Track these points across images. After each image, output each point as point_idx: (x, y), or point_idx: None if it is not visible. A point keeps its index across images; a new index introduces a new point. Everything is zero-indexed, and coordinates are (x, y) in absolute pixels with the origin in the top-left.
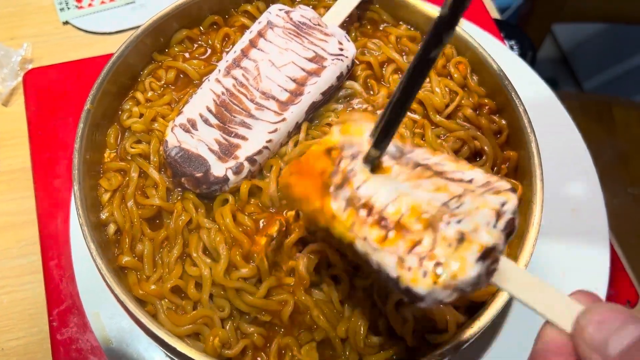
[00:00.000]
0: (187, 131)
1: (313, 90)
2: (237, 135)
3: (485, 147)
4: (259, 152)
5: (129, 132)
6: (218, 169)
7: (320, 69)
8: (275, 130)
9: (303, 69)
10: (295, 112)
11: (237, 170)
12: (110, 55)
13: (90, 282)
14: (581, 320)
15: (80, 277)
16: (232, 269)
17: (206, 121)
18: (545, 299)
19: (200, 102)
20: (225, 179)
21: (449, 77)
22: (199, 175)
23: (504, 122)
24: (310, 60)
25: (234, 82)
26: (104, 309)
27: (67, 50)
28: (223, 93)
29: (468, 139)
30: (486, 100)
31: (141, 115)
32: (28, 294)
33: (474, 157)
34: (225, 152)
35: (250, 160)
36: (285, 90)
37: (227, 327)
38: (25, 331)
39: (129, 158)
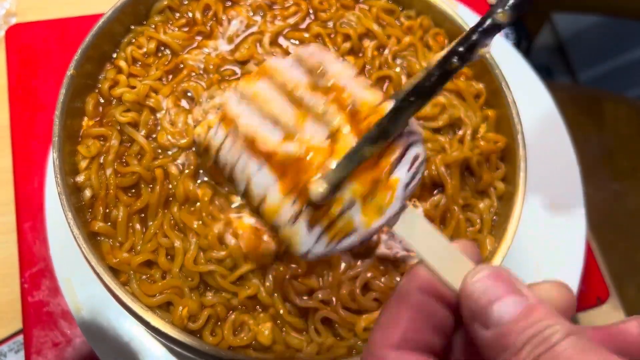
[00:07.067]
0: None
1: None
2: None
3: (462, 114)
4: None
5: (117, 101)
6: None
7: None
8: None
9: None
10: None
11: None
12: (97, 15)
13: (63, 248)
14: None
15: (53, 243)
16: (205, 250)
17: None
18: (437, 250)
19: None
20: None
21: (427, 49)
22: None
23: (481, 85)
24: None
25: None
26: (76, 276)
27: (53, 7)
28: None
29: (447, 104)
30: (464, 70)
31: (133, 87)
32: (0, 254)
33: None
34: None
35: None
36: None
37: (194, 297)
38: None
39: (110, 125)
